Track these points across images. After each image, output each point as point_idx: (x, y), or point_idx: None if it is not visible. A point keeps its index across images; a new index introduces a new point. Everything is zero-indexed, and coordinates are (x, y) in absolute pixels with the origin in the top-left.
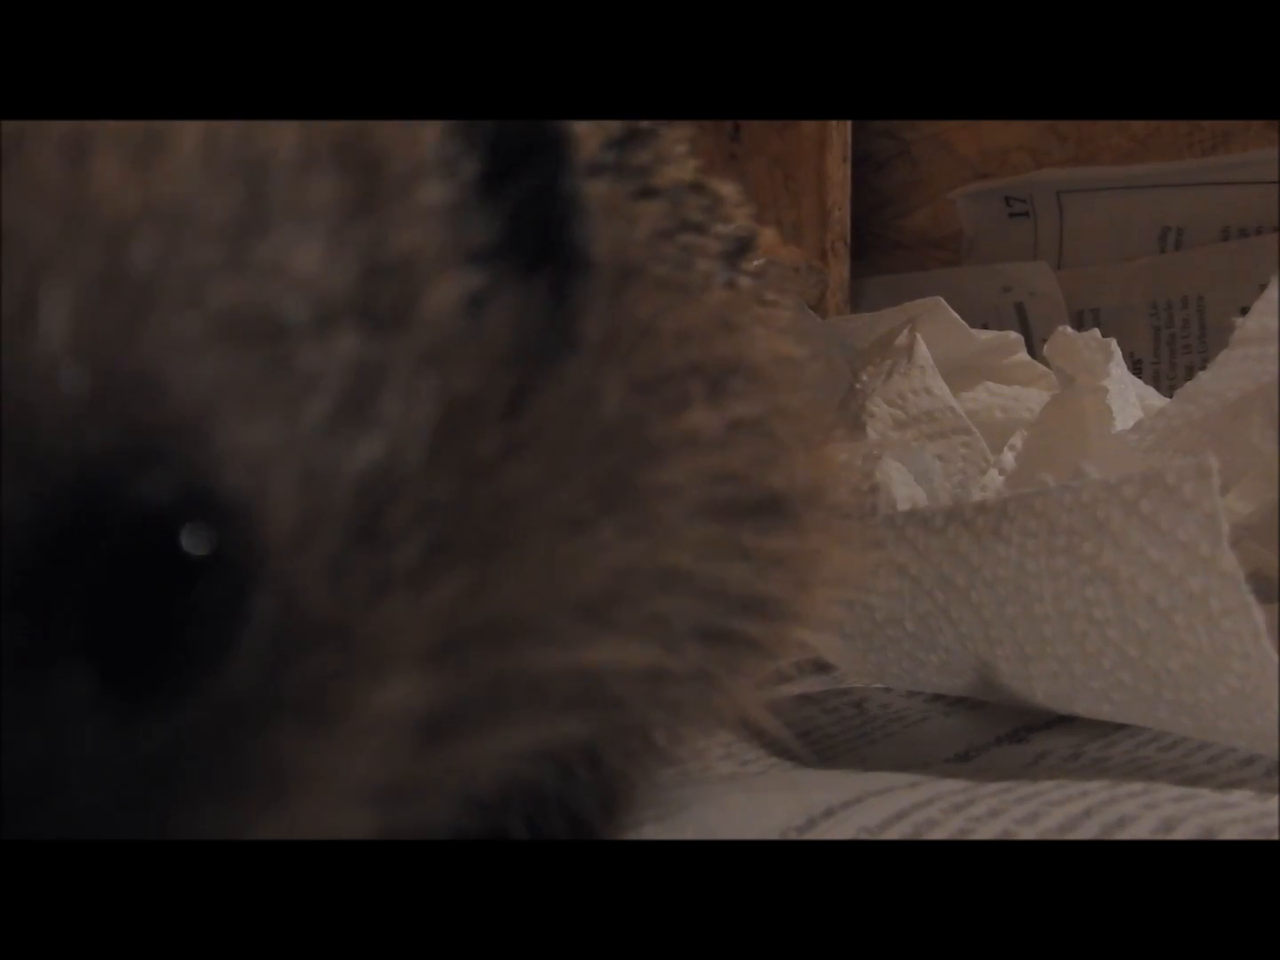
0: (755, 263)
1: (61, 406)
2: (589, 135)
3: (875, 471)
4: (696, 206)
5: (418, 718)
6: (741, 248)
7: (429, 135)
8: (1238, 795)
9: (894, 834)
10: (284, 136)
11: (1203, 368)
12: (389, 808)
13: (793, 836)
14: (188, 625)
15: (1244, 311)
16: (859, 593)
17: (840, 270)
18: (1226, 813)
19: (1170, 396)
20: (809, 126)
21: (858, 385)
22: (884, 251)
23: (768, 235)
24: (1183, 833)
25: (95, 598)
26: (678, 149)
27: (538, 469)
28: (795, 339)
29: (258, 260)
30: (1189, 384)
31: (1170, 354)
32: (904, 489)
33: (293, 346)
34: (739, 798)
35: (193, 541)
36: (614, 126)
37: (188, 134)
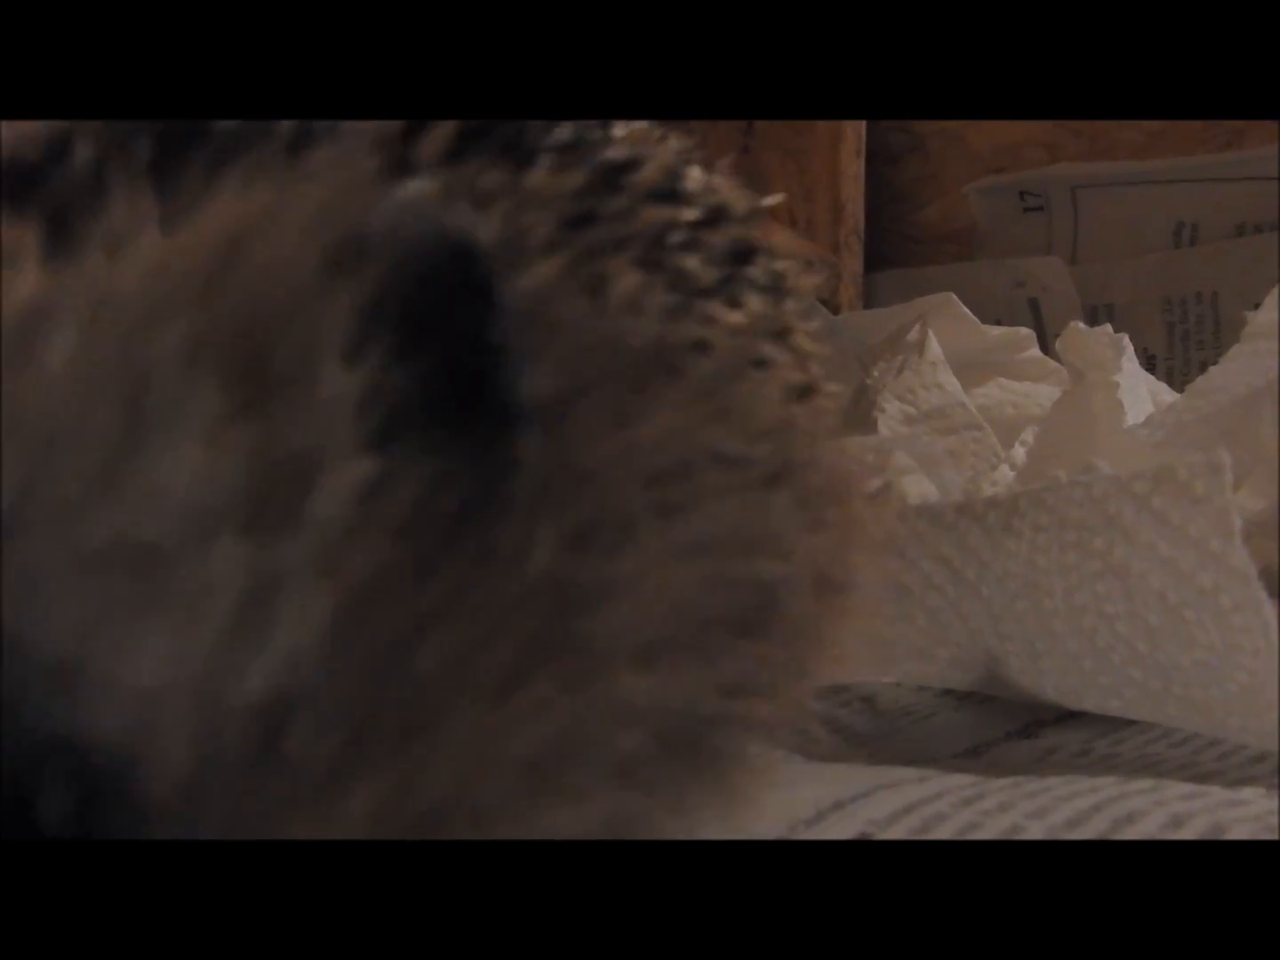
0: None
1: None
2: (545, 200)
3: (886, 466)
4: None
5: None
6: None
7: (330, 322)
8: (1247, 792)
9: (902, 828)
10: (167, 339)
11: (1216, 364)
12: None
13: (801, 829)
14: None
15: (1257, 307)
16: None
17: (853, 264)
18: (1236, 810)
19: (1182, 393)
20: (823, 121)
21: (869, 381)
22: (897, 246)
23: (780, 232)
24: (1191, 830)
25: None
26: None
27: (453, 640)
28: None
29: (130, 483)
30: (1200, 379)
31: (1184, 350)
32: (915, 484)
33: (171, 571)
34: (747, 791)
35: (52, 818)
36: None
37: (59, 341)
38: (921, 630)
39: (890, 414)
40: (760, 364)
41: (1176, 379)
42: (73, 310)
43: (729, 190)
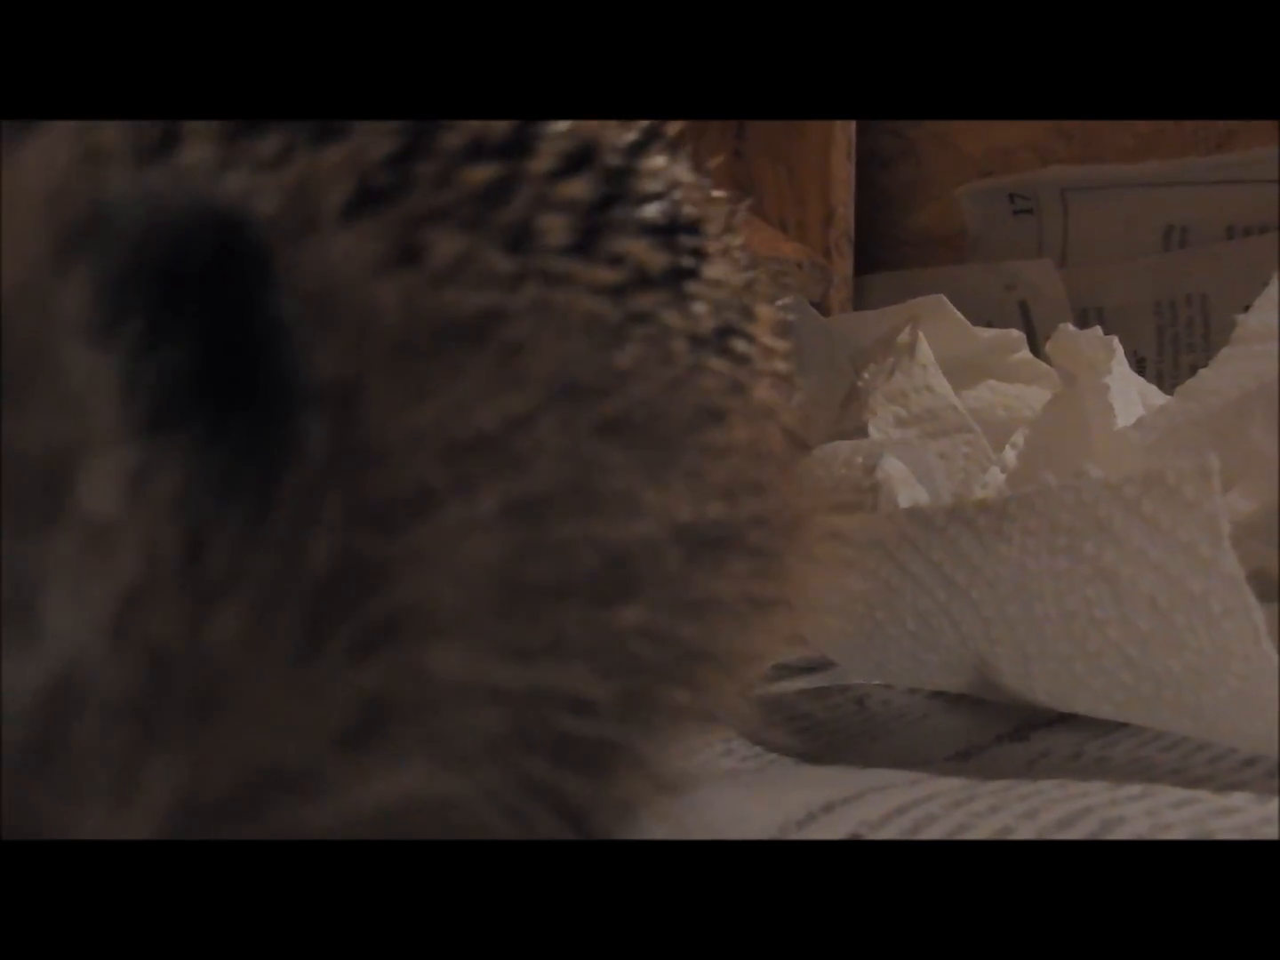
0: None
1: None
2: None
3: (876, 470)
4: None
5: None
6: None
7: (69, 299)
8: (1238, 797)
9: (893, 829)
10: None
11: (1206, 367)
12: None
13: (792, 831)
14: None
15: (1247, 310)
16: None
17: (844, 267)
18: (1225, 820)
19: (1173, 395)
20: (814, 124)
21: (859, 383)
22: (888, 249)
23: (764, 237)
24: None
25: None
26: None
27: (236, 618)
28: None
29: None
30: (1191, 381)
31: (1174, 353)
32: (905, 487)
33: None
34: (739, 793)
35: None
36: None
37: None
38: (912, 634)
39: (881, 417)
40: (639, 319)
41: (1167, 381)
42: None
43: (598, 130)
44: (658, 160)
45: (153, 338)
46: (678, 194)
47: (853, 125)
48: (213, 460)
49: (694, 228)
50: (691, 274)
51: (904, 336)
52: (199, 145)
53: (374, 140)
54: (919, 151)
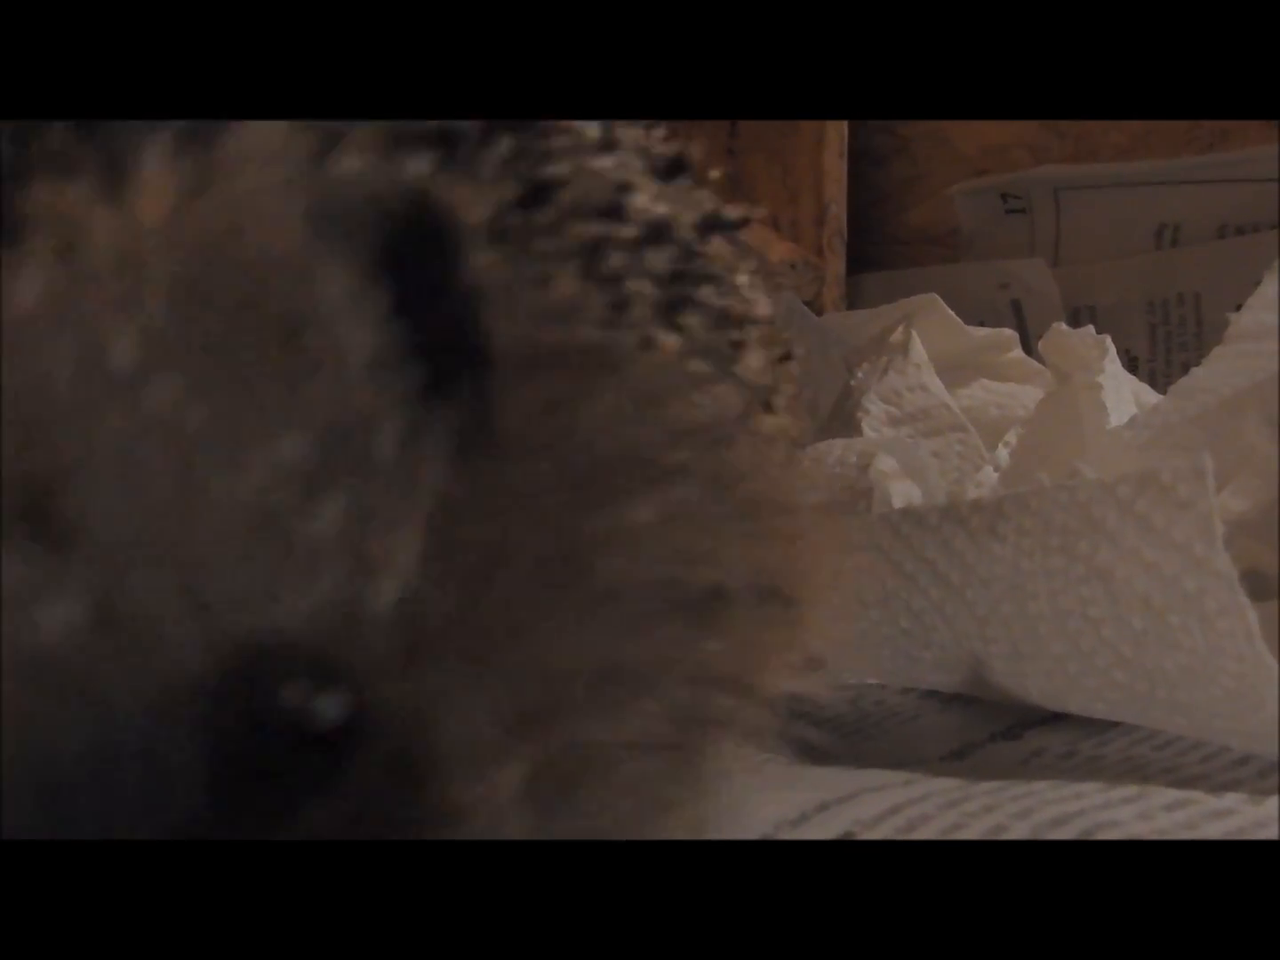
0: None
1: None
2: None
3: (870, 469)
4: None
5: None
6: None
7: (333, 289)
8: (1231, 798)
9: (887, 828)
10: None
11: (1198, 365)
12: None
13: (786, 831)
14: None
15: (1239, 308)
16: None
17: (837, 266)
18: (1219, 823)
19: (1165, 394)
20: (807, 123)
21: (853, 382)
22: (881, 248)
23: (763, 235)
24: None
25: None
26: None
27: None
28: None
29: (236, 465)
30: (1184, 379)
31: (1166, 351)
32: (899, 486)
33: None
34: (732, 793)
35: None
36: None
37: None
38: (906, 632)
39: (874, 415)
40: (696, 382)
41: (1159, 380)
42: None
43: (682, 202)
44: (720, 246)
45: (391, 314)
46: (732, 280)
47: (845, 124)
48: (446, 418)
49: (739, 321)
50: (731, 359)
51: (897, 335)
52: (366, 148)
53: (507, 183)
54: (912, 150)
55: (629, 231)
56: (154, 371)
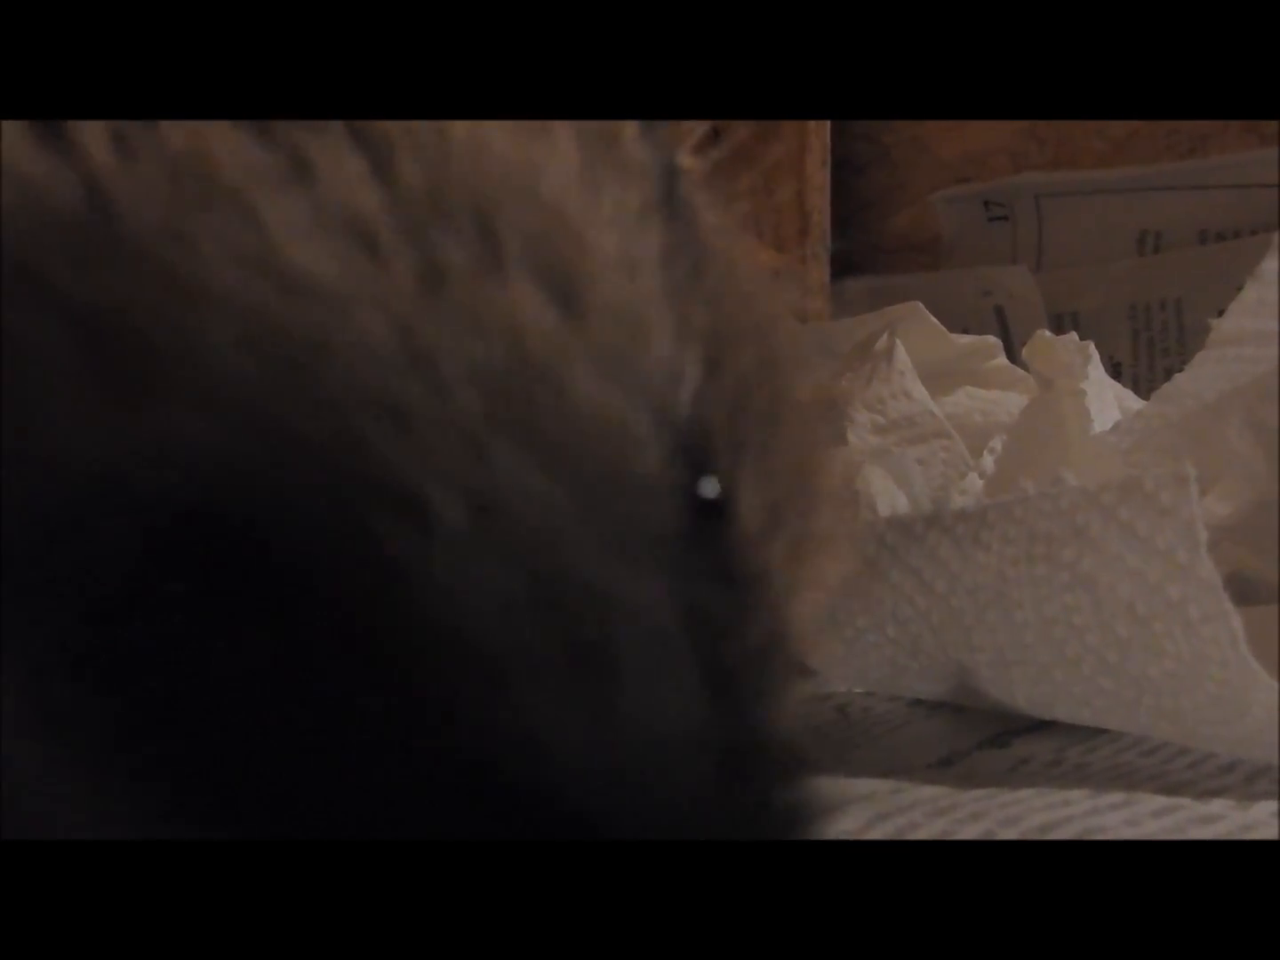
0: None
1: None
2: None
3: (856, 477)
4: None
5: None
6: None
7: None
8: (1218, 804)
9: (874, 836)
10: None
11: (1181, 370)
12: None
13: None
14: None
15: (1221, 314)
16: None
17: (820, 274)
18: (1206, 828)
19: (1149, 399)
20: (788, 130)
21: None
22: (864, 255)
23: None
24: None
25: None
26: None
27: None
28: None
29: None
30: (1167, 385)
31: (1149, 357)
32: (885, 495)
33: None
34: None
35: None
36: None
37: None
38: (892, 641)
39: (859, 423)
40: None
41: (1142, 386)
42: None
43: None
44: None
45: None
46: None
47: (827, 131)
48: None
49: None
50: None
51: (881, 343)
52: None
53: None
54: (893, 157)
55: None
56: None
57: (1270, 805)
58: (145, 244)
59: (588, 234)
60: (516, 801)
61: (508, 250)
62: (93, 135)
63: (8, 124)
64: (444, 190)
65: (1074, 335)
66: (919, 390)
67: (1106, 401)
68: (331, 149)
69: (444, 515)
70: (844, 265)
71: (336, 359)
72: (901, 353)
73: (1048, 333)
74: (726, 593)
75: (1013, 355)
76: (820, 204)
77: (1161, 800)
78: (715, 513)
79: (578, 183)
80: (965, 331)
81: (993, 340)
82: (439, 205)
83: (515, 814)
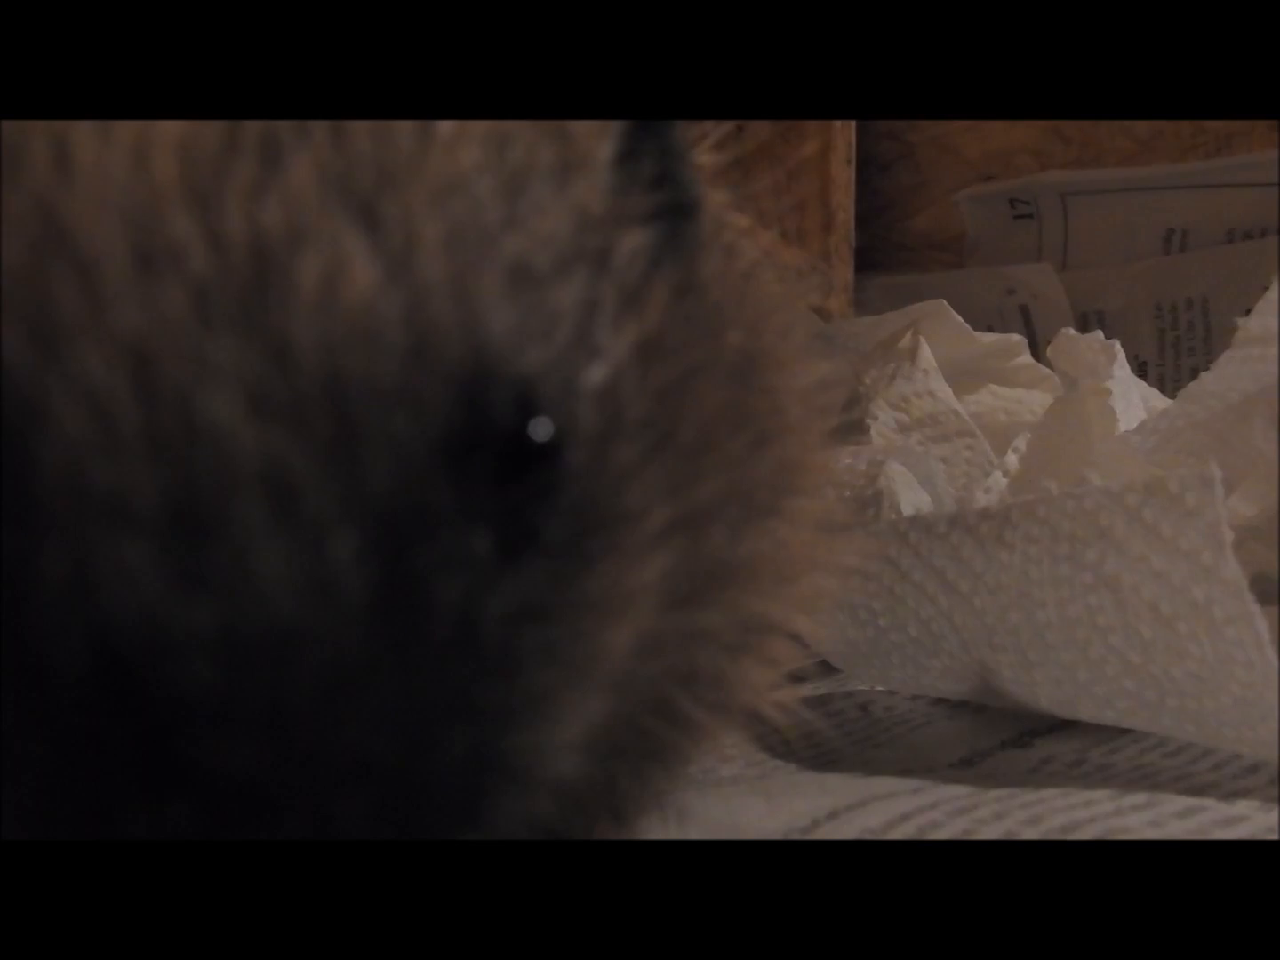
0: None
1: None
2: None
3: (879, 476)
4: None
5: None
6: None
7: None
8: (1243, 805)
9: (896, 835)
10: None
11: (1207, 370)
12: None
13: (796, 838)
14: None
15: (1248, 313)
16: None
17: (844, 273)
18: (1230, 829)
19: (1174, 399)
20: (812, 129)
21: (861, 389)
22: (887, 254)
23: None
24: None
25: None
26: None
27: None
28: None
29: (519, 221)
30: (1192, 384)
31: (1175, 356)
32: (908, 493)
33: (549, 290)
34: (743, 800)
35: (539, 430)
36: None
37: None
38: (915, 640)
39: (883, 422)
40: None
41: (1167, 385)
42: None
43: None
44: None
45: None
46: None
47: (852, 130)
48: (664, 249)
49: None
50: None
51: (905, 341)
52: None
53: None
54: (918, 156)
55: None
56: None
57: None
58: None
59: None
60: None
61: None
62: None
63: None
64: None
65: (1099, 334)
66: (943, 388)
67: (1132, 400)
68: None
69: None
70: (868, 263)
71: None
72: (925, 351)
73: (1073, 331)
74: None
75: (1037, 354)
76: (844, 202)
77: (1186, 801)
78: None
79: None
80: (989, 330)
81: (1017, 339)
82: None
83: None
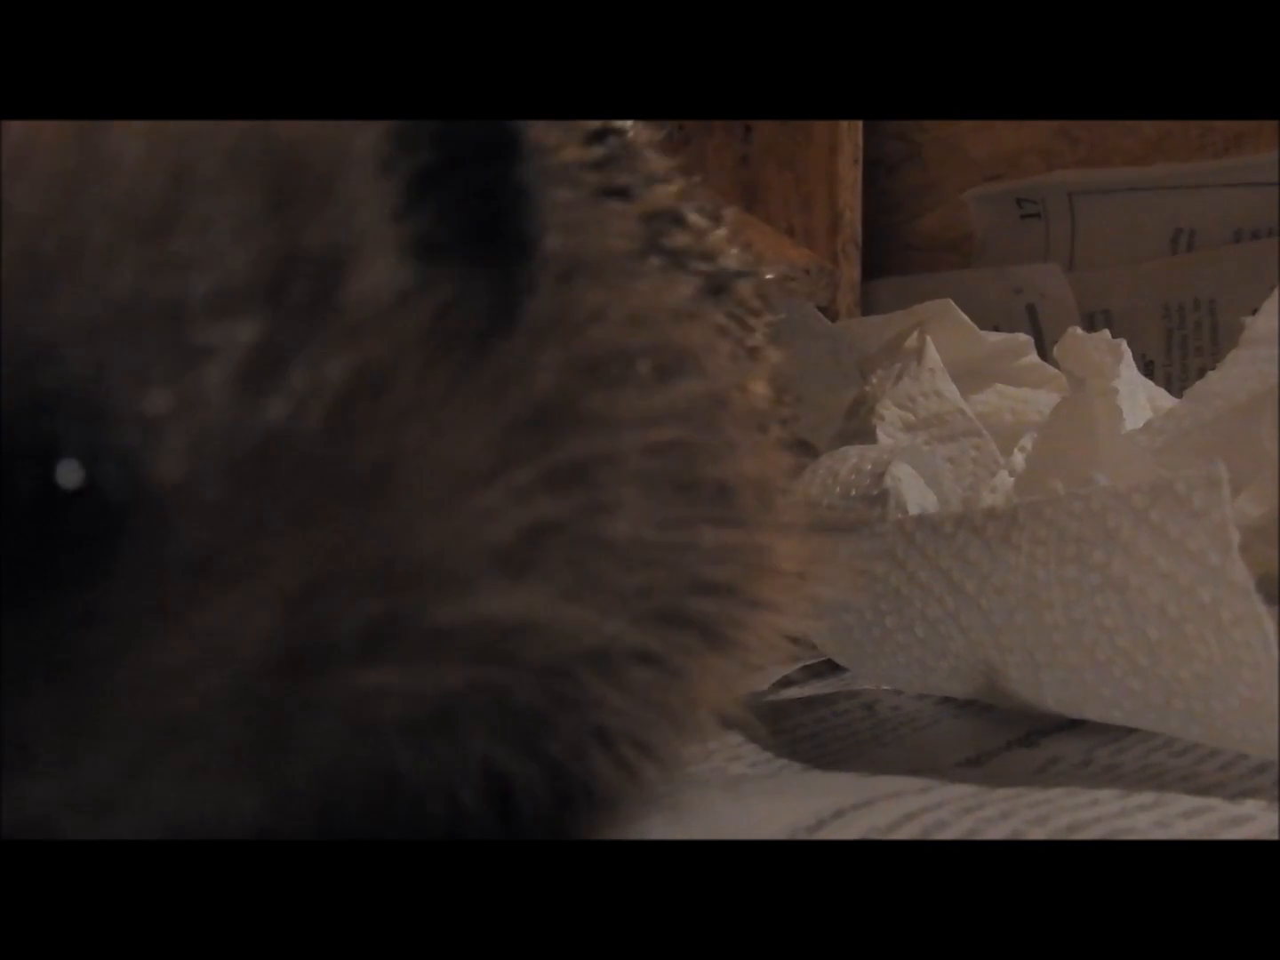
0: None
1: None
2: (562, 148)
3: (885, 476)
4: (676, 237)
5: (279, 648)
6: (717, 288)
7: (362, 138)
8: (1250, 805)
9: (903, 835)
10: (216, 142)
11: (1214, 370)
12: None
13: (802, 837)
14: (63, 547)
15: (1255, 313)
16: (818, 583)
17: (851, 272)
18: (1237, 829)
19: (1181, 398)
20: (820, 129)
21: (867, 388)
22: (895, 254)
23: (771, 243)
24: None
25: None
26: (661, 170)
27: (442, 431)
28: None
29: (163, 254)
30: (1198, 384)
31: (1182, 356)
32: (915, 493)
33: (189, 328)
34: (747, 800)
35: (67, 476)
36: (593, 151)
37: (130, 134)
38: (921, 640)
39: (889, 421)
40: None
41: (1174, 385)
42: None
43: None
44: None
45: (426, 183)
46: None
47: (859, 130)
48: (460, 296)
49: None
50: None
51: (911, 341)
52: None
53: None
54: (925, 156)
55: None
56: None
57: None
58: None
59: None
60: None
61: None
62: None
63: None
64: None
65: (1106, 334)
66: (950, 388)
67: (1138, 400)
68: None
69: None
70: (875, 263)
71: None
72: (932, 351)
73: (1080, 331)
74: None
75: (1044, 353)
76: (851, 202)
77: (1192, 801)
78: None
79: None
80: (996, 330)
81: (1024, 338)
82: None
83: None
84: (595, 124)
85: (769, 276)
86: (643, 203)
